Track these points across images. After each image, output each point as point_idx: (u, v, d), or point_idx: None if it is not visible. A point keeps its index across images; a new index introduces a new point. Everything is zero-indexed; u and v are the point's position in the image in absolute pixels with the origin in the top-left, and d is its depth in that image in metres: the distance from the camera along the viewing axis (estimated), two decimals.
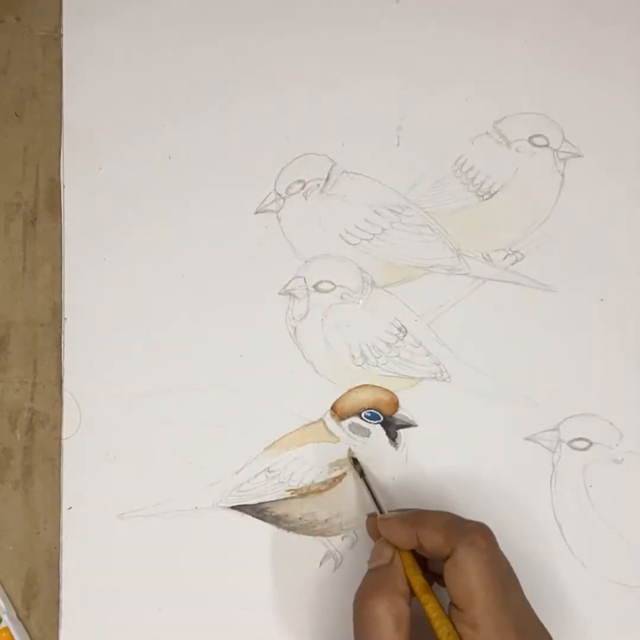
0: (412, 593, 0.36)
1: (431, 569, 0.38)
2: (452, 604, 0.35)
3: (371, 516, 0.40)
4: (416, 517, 0.37)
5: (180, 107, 0.48)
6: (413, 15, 0.48)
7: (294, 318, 0.45)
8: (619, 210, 0.46)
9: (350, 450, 0.44)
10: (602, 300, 0.45)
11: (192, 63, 0.48)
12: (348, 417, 0.44)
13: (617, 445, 0.44)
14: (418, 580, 0.36)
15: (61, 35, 0.49)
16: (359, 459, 0.43)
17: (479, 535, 0.35)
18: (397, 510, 0.39)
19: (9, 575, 0.44)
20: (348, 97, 0.48)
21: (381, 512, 0.39)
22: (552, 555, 0.43)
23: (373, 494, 0.41)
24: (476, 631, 0.33)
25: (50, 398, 0.45)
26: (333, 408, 0.44)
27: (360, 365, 0.45)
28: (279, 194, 0.47)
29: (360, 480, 0.42)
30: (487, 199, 0.47)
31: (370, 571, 0.37)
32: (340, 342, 0.45)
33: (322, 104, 0.48)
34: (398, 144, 0.47)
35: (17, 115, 0.48)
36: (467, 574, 0.34)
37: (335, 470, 0.44)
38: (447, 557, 0.35)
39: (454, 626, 0.34)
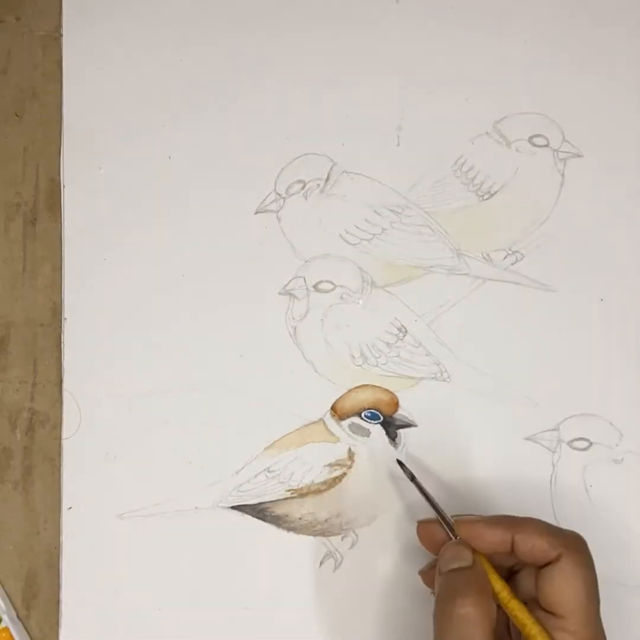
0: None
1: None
2: (544, 610, 0.34)
3: (424, 523, 0.39)
4: (510, 521, 0.36)
5: (180, 107, 0.48)
6: (413, 15, 0.48)
7: (294, 318, 0.45)
8: (619, 210, 0.46)
9: (397, 460, 0.42)
10: (602, 300, 0.45)
11: (192, 63, 0.48)
12: (348, 417, 0.44)
13: (617, 445, 0.44)
14: (503, 585, 0.35)
15: (61, 35, 0.49)
16: (405, 463, 0.42)
17: (582, 543, 0.35)
18: (458, 516, 0.38)
19: (9, 575, 0.44)
20: (348, 97, 0.48)
21: (442, 516, 0.38)
22: None
23: (429, 497, 0.39)
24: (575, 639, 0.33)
25: (50, 398, 0.45)
26: (333, 408, 0.44)
27: (360, 365, 0.45)
28: (279, 194, 0.47)
29: (413, 485, 0.41)
30: (487, 199, 0.47)
31: (451, 572, 0.35)
32: (340, 342, 0.45)
33: (322, 104, 0.48)
34: (398, 144, 0.47)
35: (17, 115, 0.48)
36: (575, 581, 0.34)
37: (335, 470, 0.44)
38: (547, 564, 0.34)
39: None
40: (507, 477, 0.44)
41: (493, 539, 0.36)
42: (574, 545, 0.34)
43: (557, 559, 0.34)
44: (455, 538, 0.37)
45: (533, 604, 0.35)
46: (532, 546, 0.35)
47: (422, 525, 0.39)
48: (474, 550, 0.36)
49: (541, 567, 0.35)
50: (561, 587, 0.34)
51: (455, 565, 0.36)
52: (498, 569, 0.36)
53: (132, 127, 0.48)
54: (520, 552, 0.35)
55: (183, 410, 0.45)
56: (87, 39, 0.48)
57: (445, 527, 0.37)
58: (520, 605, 0.35)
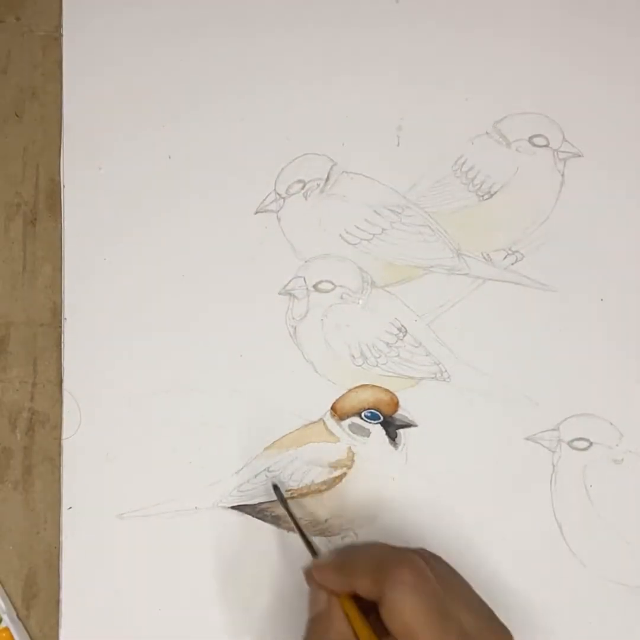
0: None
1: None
2: None
3: (308, 568, 0.38)
4: (348, 562, 0.35)
5: (180, 107, 0.48)
6: (413, 15, 0.48)
7: (294, 318, 0.45)
8: (619, 210, 0.46)
9: (274, 485, 0.42)
10: (602, 300, 0.45)
11: (192, 63, 0.48)
12: (348, 417, 0.44)
13: (617, 445, 0.44)
14: (361, 627, 0.34)
15: (61, 35, 0.49)
16: (280, 486, 0.42)
17: (404, 569, 0.33)
18: (333, 550, 0.38)
19: (9, 575, 0.44)
20: (348, 97, 0.48)
21: (314, 551, 0.38)
22: (552, 555, 0.43)
23: (302, 530, 0.39)
24: None
25: (50, 398, 0.45)
26: (333, 408, 0.44)
27: (360, 365, 0.45)
28: (279, 194, 0.47)
29: (284, 511, 0.41)
30: (487, 199, 0.47)
31: (311, 621, 0.35)
32: (340, 342, 0.45)
33: (322, 104, 0.48)
34: (398, 144, 0.47)
35: (17, 115, 0.48)
36: (400, 615, 0.32)
37: (335, 470, 0.44)
38: (380, 599, 0.33)
39: None
40: (507, 477, 0.44)
41: (336, 585, 0.35)
42: (393, 578, 0.33)
43: (382, 597, 0.33)
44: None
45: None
46: (363, 589, 0.34)
47: (306, 571, 0.38)
48: (333, 595, 0.35)
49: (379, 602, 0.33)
50: (392, 625, 0.33)
51: (312, 613, 0.35)
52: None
53: (132, 127, 0.48)
54: (360, 594, 0.34)
55: (183, 410, 0.45)
56: (87, 39, 0.49)
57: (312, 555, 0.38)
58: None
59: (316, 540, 0.43)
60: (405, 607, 0.32)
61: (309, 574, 0.37)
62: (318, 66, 0.48)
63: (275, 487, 0.42)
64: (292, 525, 0.42)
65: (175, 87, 0.48)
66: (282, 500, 0.41)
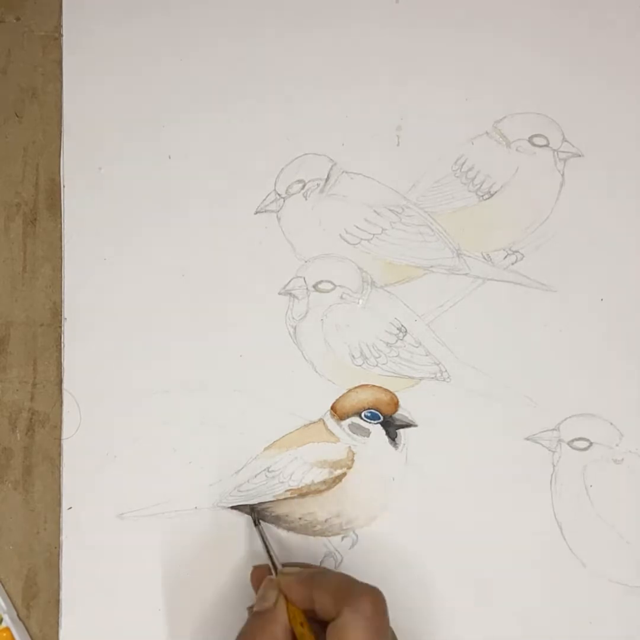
0: None
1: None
2: None
3: (257, 568, 0.40)
4: (313, 577, 0.37)
5: (180, 107, 0.48)
6: (413, 15, 0.48)
7: (294, 318, 0.45)
8: (619, 210, 0.46)
9: (252, 510, 0.43)
10: (602, 300, 0.45)
11: (192, 63, 0.48)
12: (348, 417, 0.44)
13: (617, 445, 0.44)
14: (303, 633, 0.35)
15: (61, 35, 0.49)
16: (256, 509, 0.43)
17: (368, 601, 0.34)
18: (299, 565, 0.40)
19: (9, 575, 0.44)
20: (348, 97, 0.48)
21: (274, 565, 0.39)
22: (552, 555, 0.43)
23: (268, 546, 0.41)
24: None
25: (50, 398, 0.45)
26: (333, 408, 0.44)
27: (360, 365, 0.45)
28: (279, 194, 0.47)
29: (255, 530, 0.42)
30: (487, 199, 0.47)
31: (254, 614, 0.37)
32: (340, 342, 0.45)
33: (322, 104, 0.48)
34: (398, 144, 0.47)
35: (17, 115, 0.48)
36: (345, 638, 0.33)
37: (335, 470, 0.44)
38: (333, 619, 0.34)
39: None
40: (507, 477, 0.44)
41: (298, 596, 0.36)
42: (356, 604, 0.34)
43: (337, 615, 0.34)
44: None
45: None
46: (322, 603, 0.35)
47: (255, 572, 0.40)
48: (286, 599, 0.36)
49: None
50: None
51: (258, 608, 0.37)
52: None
53: (132, 127, 0.48)
54: (316, 608, 0.35)
55: (183, 410, 0.45)
56: (87, 39, 0.49)
57: (274, 572, 0.39)
58: None
59: (316, 541, 0.43)
60: (351, 634, 0.33)
61: (257, 579, 0.39)
62: (318, 66, 0.48)
63: (252, 509, 0.43)
64: (292, 525, 0.42)
65: (175, 87, 0.48)
66: (257, 524, 0.43)
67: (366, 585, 0.36)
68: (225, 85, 0.48)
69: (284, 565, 0.40)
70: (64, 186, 0.47)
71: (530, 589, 0.43)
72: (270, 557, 0.40)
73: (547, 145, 0.47)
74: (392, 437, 0.44)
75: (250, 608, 0.39)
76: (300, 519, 0.43)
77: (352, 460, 0.44)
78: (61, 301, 0.46)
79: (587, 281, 0.46)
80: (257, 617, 0.37)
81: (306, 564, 0.40)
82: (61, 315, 0.46)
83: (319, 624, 0.36)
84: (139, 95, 0.48)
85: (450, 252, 0.46)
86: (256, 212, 0.47)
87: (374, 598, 0.35)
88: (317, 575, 0.37)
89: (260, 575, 0.39)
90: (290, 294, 0.46)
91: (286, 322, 0.45)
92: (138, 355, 0.45)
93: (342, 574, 0.37)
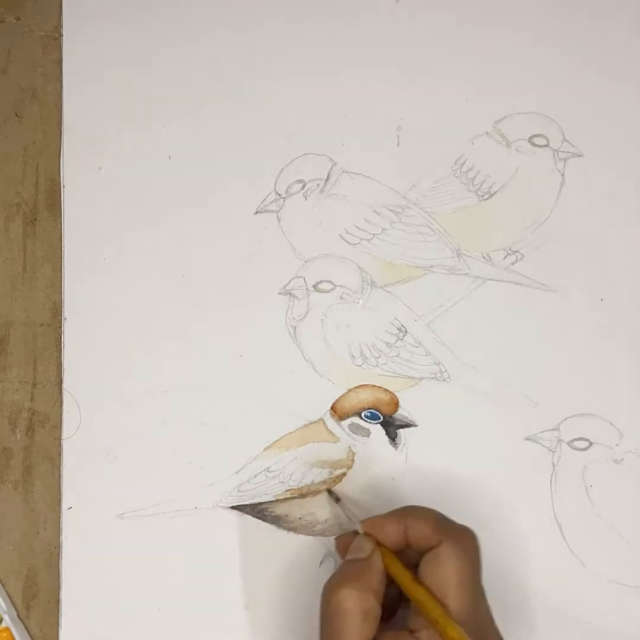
0: (400, 589, 0.35)
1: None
2: None
3: (342, 536, 0.40)
4: (404, 510, 0.37)
5: (180, 107, 0.48)
6: (413, 14, 0.48)
7: (294, 318, 0.45)
8: (619, 210, 0.46)
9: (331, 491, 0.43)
10: (602, 300, 0.45)
11: (192, 63, 0.48)
12: (348, 417, 0.44)
13: (617, 445, 0.44)
14: (405, 574, 0.35)
15: (61, 35, 0.49)
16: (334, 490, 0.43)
17: (467, 535, 0.35)
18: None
19: (9, 575, 0.44)
20: (348, 96, 0.48)
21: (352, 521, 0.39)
22: (552, 555, 0.43)
23: (348, 512, 0.41)
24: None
25: (50, 398, 0.45)
26: (333, 408, 0.44)
27: (360, 365, 0.45)
28: (279, 194, 0.47)
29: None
30: (487, 199, 0.47)
31: (346, 562, 0.37)
32: (340, 342, 0.45)
33: (322, 103, 0.48)
34: (398, 144, 0.47)
35: (17, 115, 0.48)
36: (447, 568, 0.34)
37: (335, 470, 0.44)
38: (430, 550, 0.35)
39: None
40: (507, 477, 0.44)
41: (390, 529, 0.37)
42: (455, 535, 0.35)
43: (437, 545, 0.35)
44: None
45: None
46: (419, 533, 0.35)
47: (340, 539, 0.40)
48: (379, 545, 0.37)
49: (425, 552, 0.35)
50: (433, 571, 0.34)
51: (353, 556, 0.37)
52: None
53: (132, 127, 0.48)
54: (411, 540, 0.36)
55: (183, 410, 0.45)
56: (87, 39, 0.48)
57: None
58: (425, 592, 0.34)
59: (316, 541, 0.43)
60: (453, 564, 0.34)
61: (339, 542, 0.39)
62: (318, 66, 0.48)
63: (329, 492, 0.43)
64: (292, 525, 0.42)
65: (175, 87, 0.48)
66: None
67: (462, 524, 0.36)
68: (225, 85, 0.48)
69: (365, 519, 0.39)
70: (64, 186, 0.47)
71: (531, 589, 0.43)
72: (351, 521, 0.40)
73: (547, 145, 0.47)
74: (392, 437, 0.44)
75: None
76: (300, 519, 0.43)
77: (352, 460, 0.44)
78: (61, 301, 0.46)
79: (587, 281, 0.46)
80: (351, 565, 0.36)
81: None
82: (61, 315, 0.46)
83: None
84: (139, 95, 0.48)
85: (450, 252, 0.46)
86: (256, 212, 0.47)
87: (473, 534, 0.36)
88: (408, 508, 0.37)
89: (346, 540, 0.39)
90: (290, 294, 0.46)
91: (286, 322, 0.45)
92: (138, 355, 0.45)
93: (433, 510, 0.37)
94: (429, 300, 0.46)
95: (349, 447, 0.44)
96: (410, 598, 0.35)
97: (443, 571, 0.34)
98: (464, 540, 0.35)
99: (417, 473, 0.44)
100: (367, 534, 0.38)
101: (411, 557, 0.37)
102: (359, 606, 0.34)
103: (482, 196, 0.47)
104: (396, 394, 0.44)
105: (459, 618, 0.33)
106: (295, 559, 0.43)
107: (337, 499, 0.42)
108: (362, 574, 0.36)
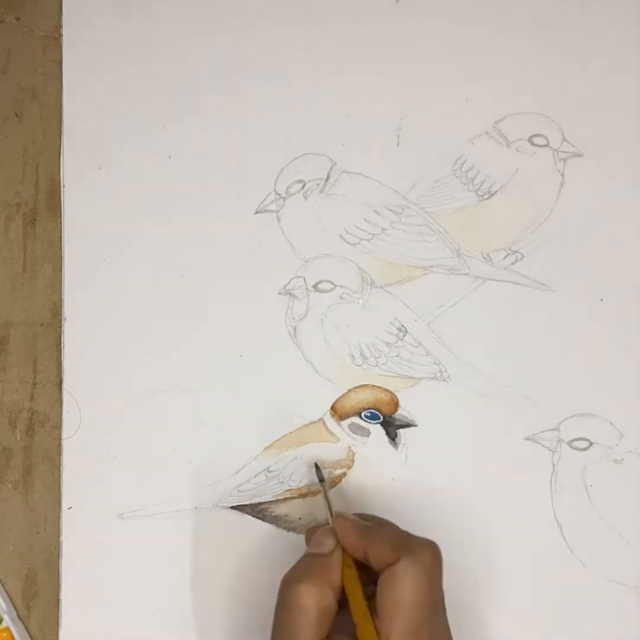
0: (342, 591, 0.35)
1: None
2: (374, 613, 0.34)
3: (312, 528, 0.39)
4: (371, 529, 0.36)
5: (180, 107, 0.48)
6: (413, 15, 0.48)
7: (293, 318, 0.45)
8: (619, 210, 0.46)
9: (316, 465, 0.43)
10: (602, 300, 0.45)
11: (192, 63, 0.48)
12: (348, 417, 0.44)
13: (617, 445, 0.44)
14: (351, 575, 0.35)
15: (61, 35, 0.49)
16: (322, 467, 0.43)
17: (427, 551, 0.34)
18: (354, 514, 0.39)
19: (9, 575, 0.44)
20: (348, 97, 0.48)
21: (332, 515, 0.39)
22: (552, 555, 0.43)
23: (328, 499, 0.40)
24: None
25: (50, 398, 0.45)
26: (333, 408, 0.44)
27: (360, 365, 0.45)
28: (278, 194, 0.47)
29: (320, 486, 0.42)
30: (487, 199, 0.47)
31: (306, 555, 0.36)
32: (340, 342, 0.45)
33: (322, 104, 0.48)
34: (398, 144, 0.47)
35: (17, 115, 0.48)
36: (401, 586, 0.33)
37: (335, 470, 0.44)
38: (388, 566, 0.34)
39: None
40: (507, 477, 0.44)
41: (353, 542, 0.36)
42: (415, 553, 0.34)
43: (395, 562, 0.33)
44: None
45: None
46: (379, 553, 0.34)
47: (310, 530, 0.39)
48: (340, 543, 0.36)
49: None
50: (388, 589, 0.33)
51: (315, 550, 0.36)
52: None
53: (132, 127, 0.48)
54: (370, 559, 0.35)
55: (183, 410, 0.45)
56: (87, 39, 0.49)
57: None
58: (362, 603, 0.34)
59: None
60: (409, 582, 0.33)
61: (308, 533, 0.39)
62: (318, 66, 0.48)
63: (317, 467, 0.43)
64: (292, 525, 0.42)
65: (175, 87, 0.48)
66: (321, 480, 0.42)
67: (424, 538, 0.35)
68: (225, 85, 0.48)
69: (337, 514, 0.39)
70: (64, 186, 0.47)
71: (531, 589, 0.43)
72: (329, 508, 0.39)
73: (547, 145, 0.47)
74: (392, 437, 0.44)
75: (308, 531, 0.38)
76: (300, 519, 0.43)
77: (352, 460, 0.44)
78: (61, 301, 0.46)
79: (587, 281, 0.46)
80: (311, 559, 0.36)
81: (362, 514, 0.39)
82: (61, 315, 0.46)
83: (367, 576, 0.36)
84: (139, 95, 0.48)
85: (450, 252, 0.46)
86: (256, 212, 0.47)
87: (433, 549, 0.34)
88: (375, 527, 0.37)
89: (313, 532, 0.38)
90: (290, 294, 0.46)
91: (286, 322, 0.45)
92: (138, 355, 0.45)
93: (398, 528, 0.37)
94: (429, 300, 0.46)
95: (349, 447, 0.44)
96: (351, 612, 0.34)
97: (398, 590, 0.33)
98: (424, 557, 0.34)
99: (417, 473, 0.44)
100: (330, 530, 0.37)
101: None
102: (318, 603, 0.33)
103: (482, 196, 0.47)
104: (396, 394, 0.44)
105: (401, 635, 0.32)
106: (295, 559, 0.43)
107: (322, 479, 0.42)
108: (322, 570, 0.35)
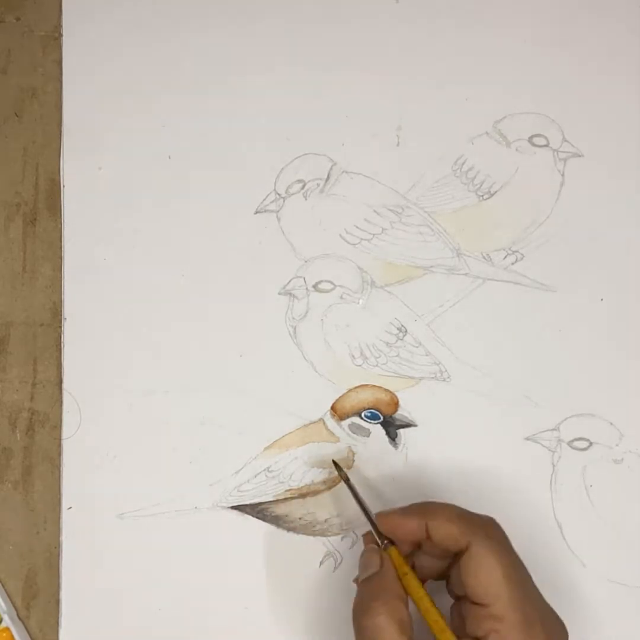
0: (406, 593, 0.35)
1: (419, 566, 0.38)
2: (471, 601, 0.34)
3: (366, 534, 0.39)
4: (423, 508, 0.37)
5: (179, 107, 0.48)
6: (413, 15, 0.48)
7: (293, 318, 0.45)
8: (619, 210, 0.46)
9: (334, 462, 0.42)
10: (602, 300, 0.45)
11: (192, 63, 0.48)
12: (348, 417, 0.44)
13: (617, 445, 0.44)
14: (411, 580, 0.35)
15: (61, 35, 0.49)
16: (342, 465, 0.42)
17: (493, 527, 0.35)
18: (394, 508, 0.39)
19: (9, 575, 0.44)
20: (348, 97, 0.48)
21: (370, 519, 0.38)
22: (552, 555, 0.43)
23: (362, 502, 0.39)
24: (503, 624, 0.33)
25: (50, 398, 0.45)
26: (333, 408, 0.44)
27: (360, 365, 0.45)
28: (278, 194, 0.47)
29: (347, 487, 0.41)
30: (487, 199, 0.47)
31: (363, 582, 0.36)
32: (340, 342, 0.45)
33: (322, 104, 0.48)
34: (398, 144, 0.47)
35: (17, 115, 0.48)
36: (488, 567, 0.34)
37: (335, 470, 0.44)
38: (460, 551, 0.35)
39: (466, 623, 0.34)
40: (507, 477, 0.44)
41: (409, 527, 0.36)
42: (482, 532, 0.35)
43: (468, 547, 0.34)
44: (382, 542, 0.37)
45: (466, 599, 0.35)
46: (445, 534, 0.35)
47: (365, 536, 0.39)
48: (383, 553, 0.36)
49: (457, 555, 0.35)
50: (476, 575, 0.34)
51: (365, 575, 0.36)
52: (435, 563, 0.37)
53: (132, 127, 0.48)
54: (434, 539, 0.36)
55: (183, 410, 0.45)
56: (87, 39, 0.49)
57: (373, 531, 0.38)
58: (427, 599, 0.35)
59: (316, 541, 0.43)
60: (493, 562, 0.34)
61: (367, 536, 0.38)
62: (318, 66, 0.48)
63: (336, 465, 0.42)
64: (292, 525, 0.42)
65: (175, 86, 0.48)
66: (346, 479, 0.41)
67: (482, 514, 0.36)
68: (225, 85, 0.48)
69: (378, 514, 0.38)
70: (64, 186, 0.47)
71: None
72: (364, 510, 0.39)
73: (547, 145, 0.47)
74: (392, 437, 0.44)
75: (356, 580, 0.38)
76: (300, 519, 0.43)
77: (352, 460, 0.44)
78: (61, 301, 0.46)
79: (587, 281, 0.46)
80: (366, 582, 0.36)
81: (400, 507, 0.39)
82: (61, 315, 0.46)
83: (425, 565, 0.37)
84: (138, 95, 0.48)
85: (450, 252, 0.46)
86: (256, 212, 0.47)
87: (497, 525, 0.36)
88: (427, 506, 0.37)
89: (369, 542, 0.38)
90: (290, 294, 0.46)
91: (286, 322, 0.45)
92: (138, 356, 0.45)
93: (451, 504, 0.37)
94: (429, 300, 0.46)
95: (349, 447, 0.44)
96: (420, 612, 0.35)
97: (485, 572, 0.34)
98: (494, 534, 0.35)
99: (417, 473, 0.44)
100: (372, 549, 0.37)
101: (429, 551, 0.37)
102: (392, 616, 0.34)
103: (482, 196, 0.47)
104: (396, 394, 0.44)
105: (516, 612, 0.33)
106: (295, 559, 0.43)
107: (346, 478, 0.41)
108: (382, 587, 0.35)
